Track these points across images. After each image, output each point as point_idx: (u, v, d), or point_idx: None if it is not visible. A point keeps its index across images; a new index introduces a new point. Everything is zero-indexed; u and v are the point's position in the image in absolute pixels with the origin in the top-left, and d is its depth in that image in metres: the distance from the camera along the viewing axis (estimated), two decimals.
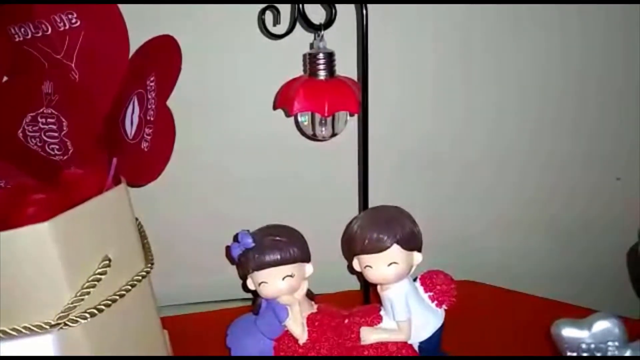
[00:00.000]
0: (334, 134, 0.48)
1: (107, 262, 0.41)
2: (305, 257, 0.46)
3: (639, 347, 0.35)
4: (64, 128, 0.48)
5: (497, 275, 0.65)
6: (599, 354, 0.35)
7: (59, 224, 0.38)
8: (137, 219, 0.50)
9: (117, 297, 0.42)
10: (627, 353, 0.35)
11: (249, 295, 0.57)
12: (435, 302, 0.46)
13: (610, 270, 0.68)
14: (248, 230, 0.46)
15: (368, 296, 0.58)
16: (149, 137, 0.44)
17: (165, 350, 0.50)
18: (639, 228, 0.49)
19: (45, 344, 0.33)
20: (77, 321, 0.39)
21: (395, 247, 0.43)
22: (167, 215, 0.61)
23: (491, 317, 0.59)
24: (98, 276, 0.41)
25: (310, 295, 0.49)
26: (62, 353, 0.40)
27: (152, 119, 0.44)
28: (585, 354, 0.35)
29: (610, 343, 0.35)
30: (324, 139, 0.48)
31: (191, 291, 0.66)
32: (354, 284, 0.62)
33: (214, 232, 0.58)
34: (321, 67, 0.46)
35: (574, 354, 0.36)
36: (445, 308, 0.46)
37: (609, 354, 0.35)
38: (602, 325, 0.35)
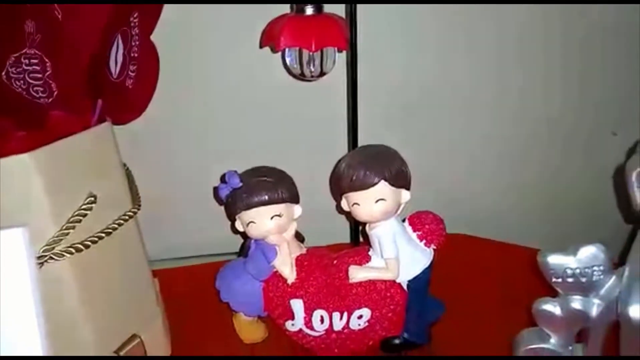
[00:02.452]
0: (322, 73, 0.47)
1: (93, 198, 0.41)
2: (293, 198, 0.46)
3: (624, 273, 0.35)
4: (48, 69, 0.47)
5: (489, 226, 0.65)
6: (584, 280, 0.35)
7: (41, 156, 0.38)
8: (125, 165, 0.50)
9: (104, 235, 0.42)
10: (612, 279, 0.35)
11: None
12: (424, 241, 0.46)
13: (607, 227, 0.68)
14: (235, 171, 0.45)
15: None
16: (133, 74, 0.44)
17: (154, 295, 0.50)
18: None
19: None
20: (62, 255, 0.39)
21: (383, 184, 0.43)
22: (156, 165, 0.61)
23: (482, 268, 0.59)
24: (83, 212, 0.41)
25: (299, 237, 0.49)
26: (47, 288, 0.40)
27: (136, 55, 0.43)
28: (570, 280, 0.35)
29: (595, 268, 0.35)
30: (312, 79, 0.48)
31: (181, 246, 0.66)
32: (344, 236, 0.62)
33: (201, 181, 0.58)
34: (308, 3, 0.45)
35: (559, 280, 0.36)
36: (434, 247, 0.46)
37: (594, 279, 0.35)
38: (587, 251, 0.35)
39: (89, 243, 0.41)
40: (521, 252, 0.61)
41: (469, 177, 0.67)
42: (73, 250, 0.40)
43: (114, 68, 0.45)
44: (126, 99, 0.44)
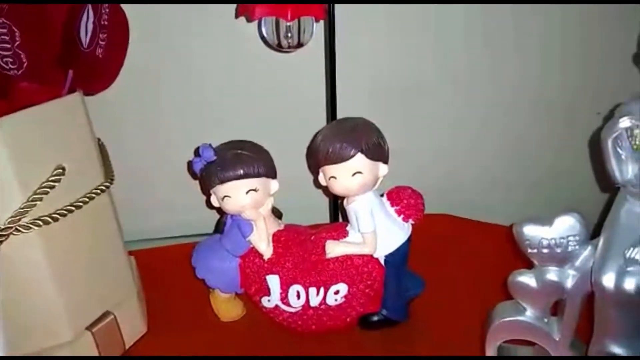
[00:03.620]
0: (299, 44, 0.46)
1: (61, 170, 0.40)
2: (270, 173, 0.45)
3: (599, 244, 0.34)
4: (17, 39, 0.46)
5: (470, 206, 0.65)
6: (559, 250, 0.35)
7: (7, 124, 0.37)
8: (99, 139, 0.49)
9: (73, 208, 0.41)
10: (588, 249, 0.35)
11: None
12: (402, 216, 0.45)
13: (589, 203, 0.68)
14: (210, 144, 0.44)
15: None
16: (103, 43, 0.43)
17: (129, 272, 0.49)
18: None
19: None
20: (29, 227, 0.38)
21: (360, 156, 0.42)
22: (132, 143, 0.60)
23: (464, 247, 0.59)
24: (51, 183, 0.40)
25: (277, 213, 0.48)
26: (15, 261, 0.39)
27: (106, 23, 0.42)
28: (545, 250, 0.35)
29: (571, 238, 0.34)
30: (289, 50, 0.46)
31: (157, 228, 0.65)
32: (324, 215, 0.61)
33: (178, 159, 0.57)
34: None
35: (535, 251, 0.35)
36: (412, 223, 0.46)
37: (570, 249, 0.35)
38: (563, 220, 0.35)
39: (58, 216, 0.40)
40: (501, 231, 0.61)
41: (452, 156, 0.66)
42: (40, 223, 0.39)
43: (85, 37, 0.44)
44: (96, 68, 0.43)
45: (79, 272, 0.43)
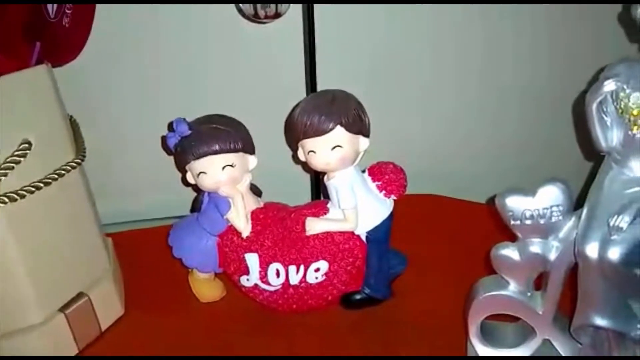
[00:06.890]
0: (277, 15, 0.44)
1: (27, 145, 0.39)
2: (247, 148, 0.44)
3: (583, 213, 0.33)
4: None
5: (453, 185, 0.64)
6: (542, 221, 0.34)
7: None
8: (71, 117, 0.47)
9: (42, 185, 0.40)
10: (572, 220, 0.34)
11: None
12: (384, 191, 0.44)
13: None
14: (184, 118, 0.43)
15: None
16: (69, 12, 0.41)
17: (105, 253, 0.48)
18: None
19: None
20: None
21: (339, 129, 0.41)
22: (107, 124, 0.58)
23: (451, 227, 0.58)
24: (16, 158, 0.38)
25: (256, 191, 0.47)
26: None
27: None
28: (528, 222, 0.34)
29: (554, 209, 0.33)
30: (266, 21, 0.45)
31: (137, 209, 0.63)
32: (306, 196, 0.60)
33: (154, 133, 0.55)
34: None
35: (518, 223, 0.34)
36: (394, 198, 0.45)
37: (553, 220, 0.34)
38: (547, 190, 0.34)
39: (25, 193, 0.39)
40: (484, 209, 0.59)
41: (432, 133, 0.65)
42: (6, 199, 0.37)
43: (51, 7, 0.42)
44: (63, 38, 0.41)
45: (48, 251, 0.42)
